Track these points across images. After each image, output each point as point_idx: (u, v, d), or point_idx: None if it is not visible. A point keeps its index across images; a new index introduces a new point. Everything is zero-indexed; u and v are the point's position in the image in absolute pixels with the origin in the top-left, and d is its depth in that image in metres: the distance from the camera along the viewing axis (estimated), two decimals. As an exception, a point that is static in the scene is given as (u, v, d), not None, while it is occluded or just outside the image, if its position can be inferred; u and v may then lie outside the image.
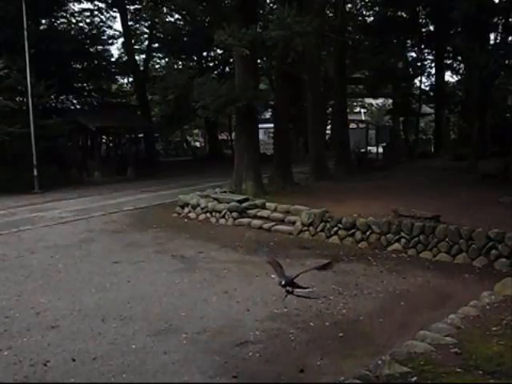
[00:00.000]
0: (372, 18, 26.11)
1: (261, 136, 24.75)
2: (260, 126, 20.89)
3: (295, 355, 5.30)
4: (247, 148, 14.44)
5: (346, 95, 22.34)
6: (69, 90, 26.28)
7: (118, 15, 29.19)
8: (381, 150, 27.35)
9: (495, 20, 18.61)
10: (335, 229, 10.22)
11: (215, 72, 31.26)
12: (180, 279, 7.93)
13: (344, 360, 5.14)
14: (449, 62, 28.77)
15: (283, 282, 5.85)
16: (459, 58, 25.99)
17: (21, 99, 21.08)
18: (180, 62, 35.15)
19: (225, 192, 13.90)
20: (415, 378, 4.10)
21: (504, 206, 10.82)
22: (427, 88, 30.41)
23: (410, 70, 28.86)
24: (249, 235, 10.91)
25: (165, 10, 31.29)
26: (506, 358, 4.46)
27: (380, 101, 44.73)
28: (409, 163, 22.94)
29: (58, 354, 5.37)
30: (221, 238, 10.79)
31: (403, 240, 9.27)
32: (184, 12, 29.33)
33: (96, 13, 28.42)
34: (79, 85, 27.79)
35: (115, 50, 49.68)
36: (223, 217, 12.32)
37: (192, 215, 13.13)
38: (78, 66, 27.66)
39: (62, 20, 27.40)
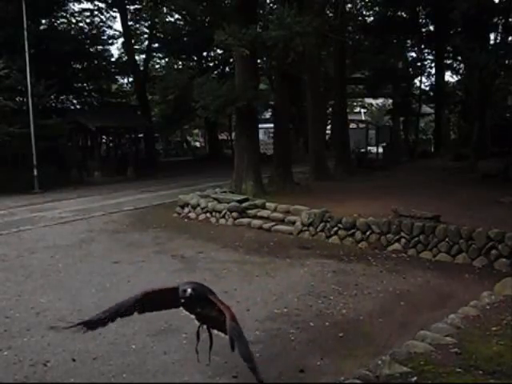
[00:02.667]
0: (372, 18, 26.12)
1: (261, 136, 24.74)
2: (260, 126, 20.90)
3: (295, 355, 5.29)
4: (247, 148, 14.44)
5: (345, 95, 22.33)
6: (69, 90, 26.28)
7: (118, 15, 29.21)
8: (381, 150, 27.36)
9: (495, 20, 18.61)
10: (335, 229, 10.21)
11: (215, 72, 31.26)
12: (180, 279, 7.87)
13: (344, 360, 5.13)
14: (449, 62, 28.78)
15: (188, 292, 3.95)
16: (459, 57, 25.99)
17: (21, 99, 21.08)
18: (180, 62, 35.19)
19: (225, 192, 13.90)
20: (415, 378, 4.09)
21: (504, 206, 10.83)
22: (427, 88, 30.41)
23: (410, 70, 28.86)
24: (249, 235, 10.91)
25: (165, 10, 31.31)
26: (506, 358, 4.46)
27: (380, 101, 44.71)
28: (409, 163, 22.95)
29: (58, 354, 5.37)
30: (221, 237, 10.79)
31: (403, 240, 9.27)
32: (184, 12, 29.34)
33: (96, 13, 28.46)
34: (79, 85, 27.81)
35: (115, 50, 49.79)
36: (223, 217, 12.31)
37: (192, 215, 13.12)
38: (78, 66, 27.68)
39: (62, 20, 27.44)
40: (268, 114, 32.03)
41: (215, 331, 4.62)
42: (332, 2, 19.99)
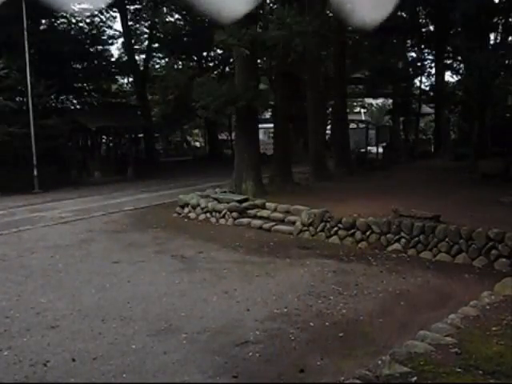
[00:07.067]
0: (372, 18, 26.08)
1: (261, 136, 24.74)
2: (260, 126, 20.89)
3: (295, 355, 5.29)
4: (247, 148, 14.44)
5: (346, 95, 22.33)
6: (69, 90, 26.28)
7: (118, 15, 29.22)
8: (381, 150, 27.36)
9: (495, 20, 18.61)
10: (335, 229, 10.21)
11: (215, 72, 31.28)
12: (180, 279, 7.93)
13: (344, 360, 5.14)
14: (449, 62, 28.77)
15: None
16: (459, 57, 25.98)
17: (21, 99, 21.09)
18: (180, 62, 35.20)
19: (225, 192, 13.90)
20: (415, 378, 4.09)
21: (504, 206, 10.83)
22: (427, 88, 30.40)
23: (410, 70, 28.86)
24: (249, 235, 10.91)
25: (165, 10, 31.33)
26: (506, 357, 4.46)
27: (380, 101, 44.77)
28: (409, 163, 22.95)
29: (58, 354, 5.37)
30: (221, 238, 10.80)
31: (403, 240, 9.27)
32: (184, 12, 29.38)
33: (96, 13, 28.46)
34: (79, 85, 27.79)
35: (115, 50, 49.68)
36: (223, 217, 12.31)
37: (192, 215, 13.12)
38: (77, 66, 27.65)
39: (62, 20, 27.41)
40: (268, 114, 32.03)
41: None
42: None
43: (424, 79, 30.65)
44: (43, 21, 25.42)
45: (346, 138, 20.31)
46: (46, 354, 5.39)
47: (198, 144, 46.46)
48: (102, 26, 28.93)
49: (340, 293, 7.16)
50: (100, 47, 28.74)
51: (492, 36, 20.22)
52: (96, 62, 28.15)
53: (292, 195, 13.60)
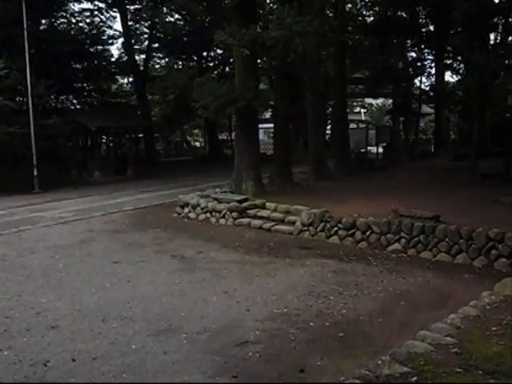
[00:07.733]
0: (372, 18, 26.12)
1: (261, 136, 24.73)
2: (260, 126, 20.89)
3: (295, 355, 5.29)
4: (247, 148, 14.44)
5: (346, 95, 22.32)
6: (69, 90, 26.30)
7: (118, 15, 29.23)
8: (381, 150, 27.37)
9: (495, 20, 18.61)
10: (335, 229, 10.21)
11: (215, 72, 31.28)
12: (180, 279, 7.93)
13: (344, 360, 5.14)
14: (449, 61, 28.78)
15: None
16: (459, 57, 25.99)
17: (21, 99, 21.09)
18: (180, 62, 35.21)
19: (225, 192, 13.90)
20: (415, 378, 4.09)
21: (504, 206, 10.83)
22: (427, 88, 30.43)
23: (410, 70, 28.87)
24: (249, 235, 10.91)
25: (165, 10, 31.35)
26: (506, 358, 4.46)
27: (380, 101, 44.76)
28: (409, 163, 22.96)
29: (58, 354, 5.37)
30: (221, 238, 10.80)
31: (403, 240, 9.27)
32: (184, 12, 29.40)
33: (96, 13, 28.51)
34: (79, 85, 27.83)
35: (115, 50, 49.85)
36: (223, 217, 12.32)
37: (192, 215, 13.13)
38: (77, 66, 27.67)
39: (62, 20, 27.44)
40: (268, 114, 32.03)
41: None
42: (332, 1, 19.99)
43: (424, 79, 30.72)
44: (43, 21, 25.44)
45: (346, 138, 20.30)
46: (45, 353, 5.39)
47: (198, 144, 46.47)
48: (101, 26, 28.99)
49: (340, 293, 7.16)
50: (100, 47, 28.76)
51: (492, 36, 20.24)
52: (96, 61, 28.16)
53: (292, 195, 13.60)
